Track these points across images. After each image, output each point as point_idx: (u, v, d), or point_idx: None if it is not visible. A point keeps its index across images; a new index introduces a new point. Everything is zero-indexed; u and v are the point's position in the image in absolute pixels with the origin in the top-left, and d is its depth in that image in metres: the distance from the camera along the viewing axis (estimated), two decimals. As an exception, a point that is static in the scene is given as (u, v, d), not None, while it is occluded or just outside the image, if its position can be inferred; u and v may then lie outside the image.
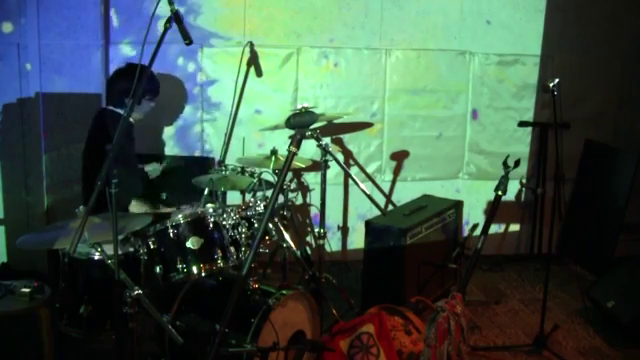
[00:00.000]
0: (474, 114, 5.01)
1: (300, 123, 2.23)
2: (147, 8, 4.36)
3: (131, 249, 3.03)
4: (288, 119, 2.23)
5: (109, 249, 2.57)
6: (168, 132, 4.63)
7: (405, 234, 3.77)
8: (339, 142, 4.85)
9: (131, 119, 3.56)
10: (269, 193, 3.60)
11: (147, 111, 3.70)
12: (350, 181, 4.85)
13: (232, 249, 3.12)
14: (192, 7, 4.45)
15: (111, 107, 3.60)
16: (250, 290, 3.06)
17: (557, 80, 3.54)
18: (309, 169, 4.43)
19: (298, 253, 3.89)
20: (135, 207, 3.73)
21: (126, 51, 4.40)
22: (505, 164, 3.44)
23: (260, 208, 3.34)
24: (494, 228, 5.16)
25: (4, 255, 4.36)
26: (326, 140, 3.79)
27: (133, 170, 3.56)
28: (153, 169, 3.92)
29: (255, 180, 3.66)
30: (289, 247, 3.80)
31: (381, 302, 3.53)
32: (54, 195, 4.30)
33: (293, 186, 4.62)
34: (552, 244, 4.18)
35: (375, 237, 3.89)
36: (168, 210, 3.67)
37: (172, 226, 3.00)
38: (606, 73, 5.08)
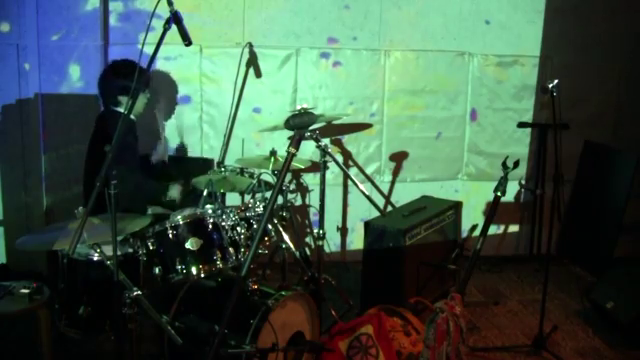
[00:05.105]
0: (473, 115, 5.01)
1: (299, 124, 2.22)
2: (146, 9, 4.36)
3: (130, 250, 3.03)
4: (287, 120, 2.23)
5: (108, 250, 2.57)
6: (168, 133, 4.62)
7: (404, 235, 3.77)
8: (338, 143, 4.85)
9: (132, 117, 3.56)
10: (268, 194, 3.60)
11: (144, 103, 3.68)
12: (349, 182, 4.85)
13: (231, 250, 3.12)
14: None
15: (111, 107, 3.59)
16: (249, 291, 3.06)
17: (556, 81, 3.53)
18: (308, 170, 4.43)
19: (297, 254, 3.90)
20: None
21: (125, 52, 4.39)
22: (504, 165, 3.44)
23: (259, 209, 3.34)
24: (493, 229, 5.15)
25: (3, 256, 4.36)
26: (325, 141, 3.79)
27: (135, 169, 3.54)
28: (174, 192, 3.68)
29: (254, 181, 3.66)
30: (288, 248, 3.81)
31: (380, 303, 3.53)
32: (53, 196, 4.30)
33: (292, 187, 4.62)
34: (551, 245, 4.18)
35: (374, 238, 3.89)
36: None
37: (171, 227, 3.00)
38: (605, 74, 5.08)
